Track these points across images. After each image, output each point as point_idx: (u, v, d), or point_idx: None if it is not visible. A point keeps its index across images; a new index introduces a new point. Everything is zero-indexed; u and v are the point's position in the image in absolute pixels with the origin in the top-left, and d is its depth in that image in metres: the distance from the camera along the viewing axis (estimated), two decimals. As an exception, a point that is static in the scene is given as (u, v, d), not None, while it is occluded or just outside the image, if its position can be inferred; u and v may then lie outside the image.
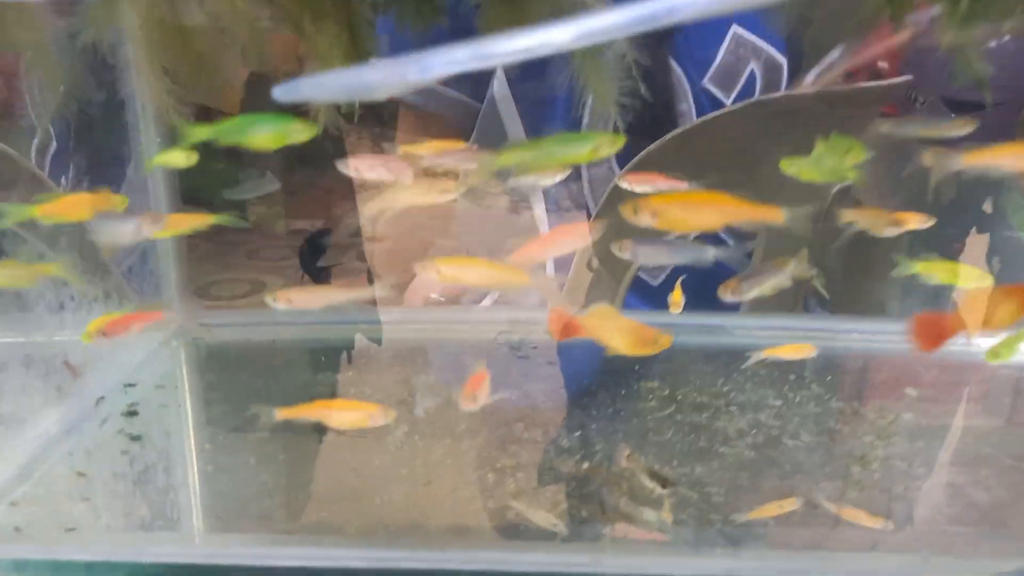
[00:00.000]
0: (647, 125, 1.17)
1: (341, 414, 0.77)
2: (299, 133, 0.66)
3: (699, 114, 1.16)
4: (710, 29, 1.17)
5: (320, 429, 0.90)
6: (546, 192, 1.24)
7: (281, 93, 0.55)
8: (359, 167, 0.75)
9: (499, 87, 1.18)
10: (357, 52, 0.87)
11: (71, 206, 0.76)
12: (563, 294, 1.28)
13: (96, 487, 0.80)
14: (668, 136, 1.10)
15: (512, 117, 1.19)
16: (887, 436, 0.86)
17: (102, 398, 0.91)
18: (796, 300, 1.32)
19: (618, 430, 0.89)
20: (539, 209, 1.25)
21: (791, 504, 0.75)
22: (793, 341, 1.11)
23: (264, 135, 0.66)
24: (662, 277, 1.26)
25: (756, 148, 1.08)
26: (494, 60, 0.52)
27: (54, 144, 1.45)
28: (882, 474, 0.81)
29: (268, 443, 0.88)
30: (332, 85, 0.56)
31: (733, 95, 1.19)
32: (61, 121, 1.38)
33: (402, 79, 0.53)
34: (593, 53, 0.98)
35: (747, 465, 0.83)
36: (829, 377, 0.99)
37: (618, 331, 0.75)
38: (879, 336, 1.11)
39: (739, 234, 1.30)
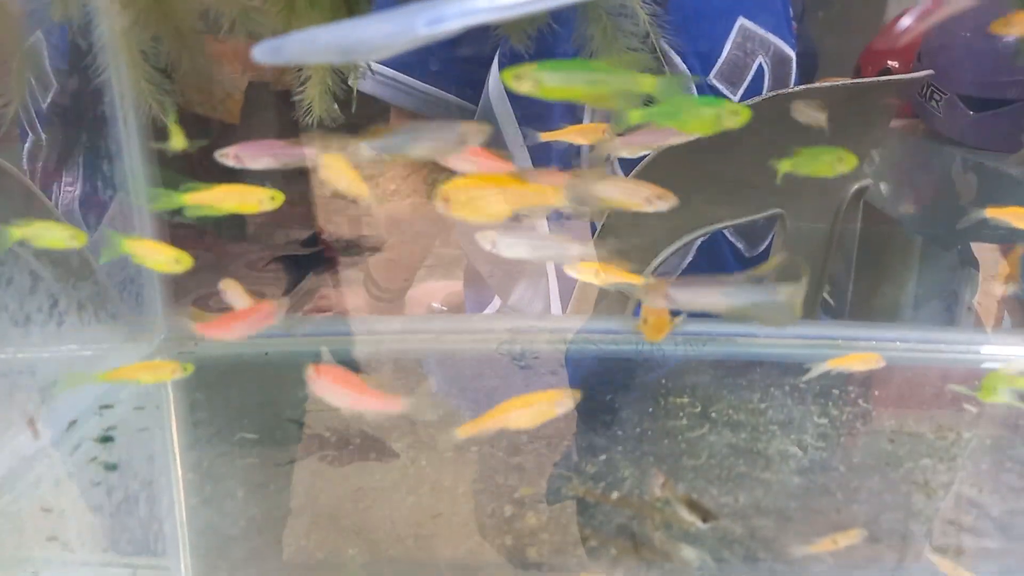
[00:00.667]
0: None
1: (523, 413, 0.66)
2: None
3: None
4: (715, 22, 1.09)
5: (315, 451, 0.81)
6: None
7: (263, 54, 0.46)
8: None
9: (495, 88, 1.10)
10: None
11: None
12: (571, 302, 1.20)
13: (67, 522, 0.72)
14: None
15: (508, 119, 1.11)
16: (949, 459, 0.77)
17: (74, 422, 0.82)
18: (813, 306, 1.24)
19: (647, 453, 0.79)
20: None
21: (852, 537, 0.66)
22: (829, 351, 1.03)
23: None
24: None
25: (772, 144, 1.00)
26: (518, 9, 0.43)
27: (45, 150, 1.37)
28: (948, 503, 0.72)
29: (259, 470, 0.79)
30: (324, 43, 0.47)
31: (740, 91, 1.11)
32: (48, 121, 1.30)
33: (409, 32, 0.44)
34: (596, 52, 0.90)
35: (795, 493, 0.74)
36: (877, 391, 0.90)
37: None
38: (924, 346, 1.02)
39: (748, 236, 1.23)
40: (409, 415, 0.84)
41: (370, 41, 0.45)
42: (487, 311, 1.37)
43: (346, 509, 0.74)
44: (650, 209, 0.62)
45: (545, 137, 0.91)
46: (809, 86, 1.17)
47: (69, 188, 1.34)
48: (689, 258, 1.17)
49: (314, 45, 0.46)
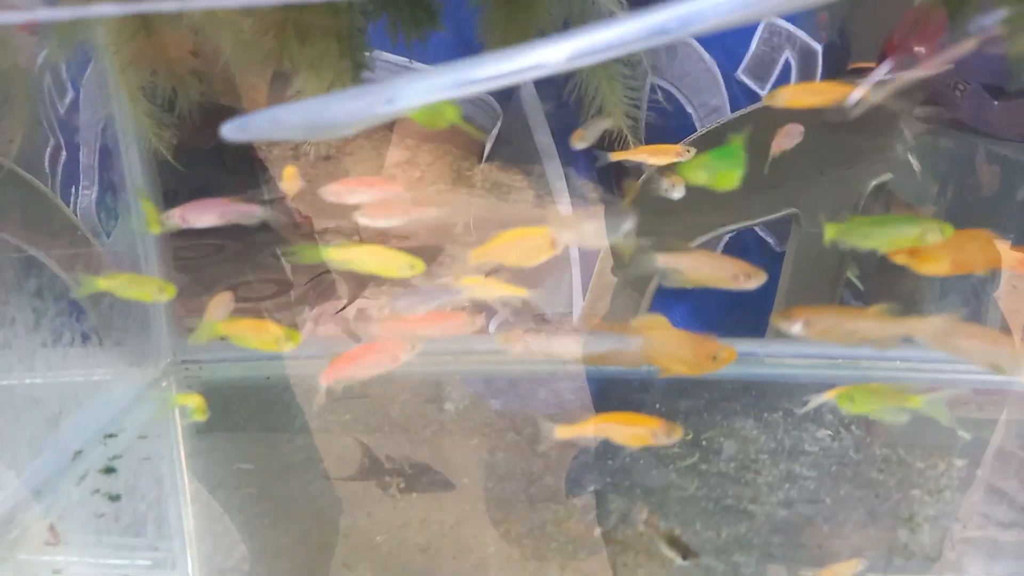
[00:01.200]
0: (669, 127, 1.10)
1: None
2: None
3: (733, 108, 1.10)
4: None
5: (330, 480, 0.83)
6: (571, 186, 1.18)
7: (231, 131, 0.48)
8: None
9: (528, 94, 1.11)
10: (349, 66, 0.80)
11: None
12: (587, 297, 1.21)
13: (72, 555, 0.74)
14: (699, 133, 1.04)
15: (542, 127, 1.12)
16: (937, 491, 0.78)
17: (80, 452, 0.85)
18: (833, 295, 1.23)
19: (636, 484, 0.80)
20: (563, 204, 1.19)
21: (852, 568, 0.66)
22: (831, 370, 1.03)
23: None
24: None
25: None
26: (477, 86, 0.44)
27: (64, 153, 1.40)
28: (932, 537, 0.72)
29: (267, 500, 0.81)
30: (289, 121, 0.48)
31: (768, 86, 1.12)
32: (65, 125, 1.33)
33: (368, 111, 0.45)
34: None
35: (780, 527, 0.74)
36: (869, 415, 0.90)
37: (670, 344, 0.65)
38: (925, 365, 1.02)
39: (778, 230, 1.22)
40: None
41: (332, 120, 0.46)
42: (491, 327, 1.38)
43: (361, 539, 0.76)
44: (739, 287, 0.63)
45: (616, 157, 0.91)
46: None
47: (87, 191, 1.37)
48: (718, 251, 1.17)
49: (279, 124, 0.47)
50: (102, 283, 0.71)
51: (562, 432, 0.66)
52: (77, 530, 0.76)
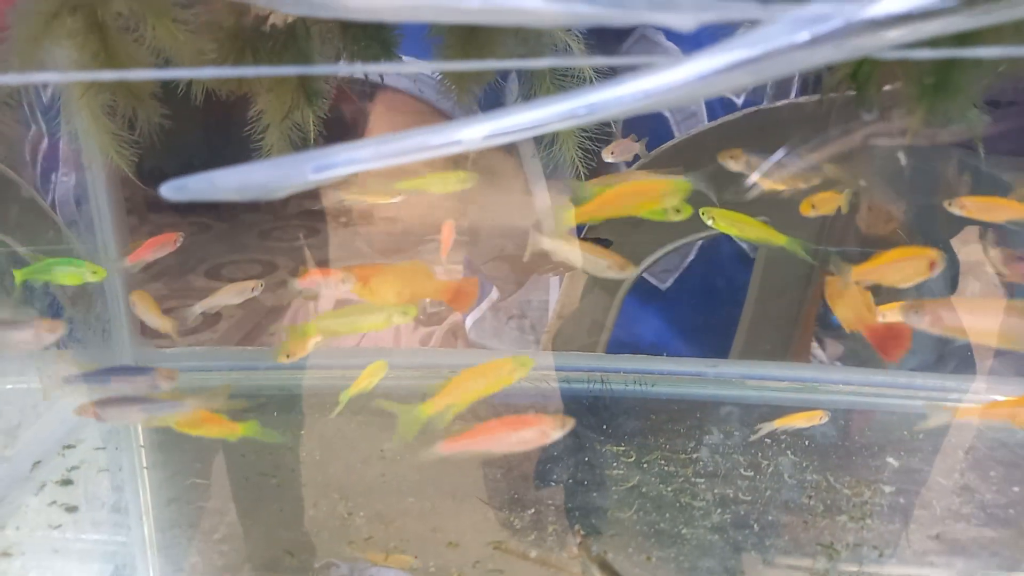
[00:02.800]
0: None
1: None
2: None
3: (710, 117, 1.12)
4: (718, 25, 1.10)
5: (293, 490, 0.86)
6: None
7: (170, 192, 0.50)
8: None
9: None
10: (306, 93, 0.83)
11: None
12: (557, 302, 1.23)
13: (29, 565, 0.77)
14: (667, 145, 1.06)
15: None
16: (861, 518, 0.81)
17: (39, 462, 0.87)
18: (803, 299, 1.25)
19: (577, 507, 0.84)
20: (540, 198, 1.21)
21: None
22: (780, 392, 1.06)
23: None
24: (670, 280, 1.20)
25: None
26: (401, 158, 0.47)
27: (45, 141, 1.41)
28: (850, 563, 0.76)
29: (223, 514, 0.84)
30: (224, 184, 0.51)
31: (743, 96, 1.14)
32: (51, 115, 1.34)
33: (300, 178, 0.48)
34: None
35: (709, 550, 0.78)
36: (807, 442, 0.94)
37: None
38: (866, 389, 1.06)
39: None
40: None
41: (264, 184, 0.49)
42: (482, 304, 1.39)
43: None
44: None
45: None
46: (788, 102, 1.19)
47: (65, 178, 1.38)
48: (691, 257, 1.19)
49: (214, 185, 0.50)
50: (30, 270, 0.73)
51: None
52: (34, 541, 0.79)
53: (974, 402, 1.02)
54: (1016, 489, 0.85)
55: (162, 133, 0.88)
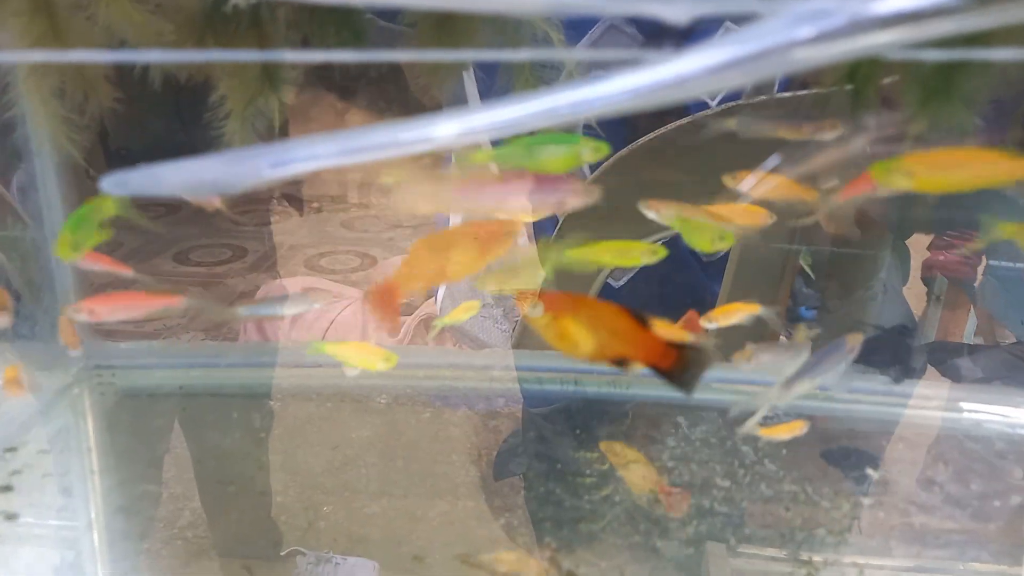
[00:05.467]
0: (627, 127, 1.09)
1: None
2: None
3: (695, 107, 1.09)
4: (701, 21, 1.08)
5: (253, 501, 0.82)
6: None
7: (110, 186, 0.46)
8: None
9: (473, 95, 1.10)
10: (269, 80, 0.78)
11: None
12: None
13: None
14: (644, 140, 1.03)
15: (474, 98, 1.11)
16: (839, 532, 0.79)
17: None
18: (779, 287, 1.24)
19: (549, 518, 0.80)
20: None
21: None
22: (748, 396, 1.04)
23: None
24: (624, 279, 1.18)
25: (733, 154, 1.01)
26: (363, 155, 0.43)
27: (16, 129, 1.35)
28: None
29: (182, 519, 0.80)
30: (169, 180, 0.46)
31: (721, 93, 1.11)
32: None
33: (254, 174, 0.44)
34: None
35: (683, 565, 0.75)
36: (784, 451, 0.91)
37: None
38: (850, 397, 1.04)
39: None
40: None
41: (215, 181, 0.45)
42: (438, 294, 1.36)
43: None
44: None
45: None
46: (776, 96, 1.17)
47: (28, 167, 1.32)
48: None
49: (159, 181, 0.45)
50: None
51: None
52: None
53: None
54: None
55: (118, 117, 0.83)
